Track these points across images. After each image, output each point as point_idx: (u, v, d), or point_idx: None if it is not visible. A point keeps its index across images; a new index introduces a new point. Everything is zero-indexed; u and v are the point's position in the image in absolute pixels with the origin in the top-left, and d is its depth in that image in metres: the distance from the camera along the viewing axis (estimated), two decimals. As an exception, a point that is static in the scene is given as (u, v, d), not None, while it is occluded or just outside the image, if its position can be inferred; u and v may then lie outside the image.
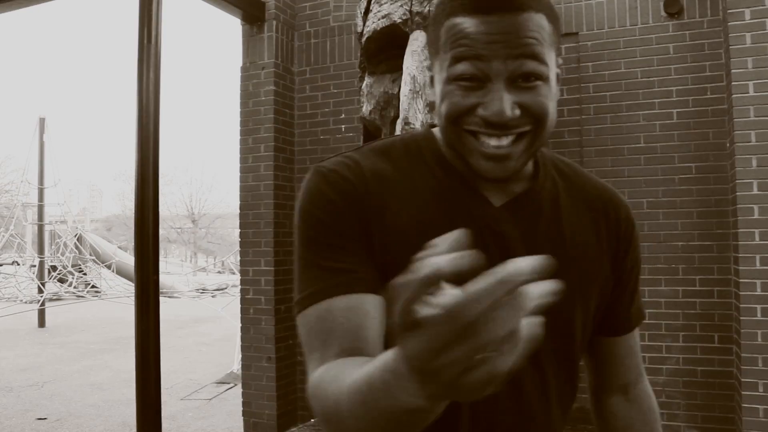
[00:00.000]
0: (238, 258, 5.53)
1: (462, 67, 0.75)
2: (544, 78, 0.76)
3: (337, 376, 0.68)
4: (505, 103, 0.74)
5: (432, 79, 0.83)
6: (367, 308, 0.76)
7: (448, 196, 0.83)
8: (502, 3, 0.74)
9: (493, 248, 0.80)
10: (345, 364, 0.70)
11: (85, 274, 17.32)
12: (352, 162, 0.83)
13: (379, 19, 3.04)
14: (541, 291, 0.44)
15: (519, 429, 0.83)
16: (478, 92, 0.75)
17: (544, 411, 0.85)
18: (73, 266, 16.49)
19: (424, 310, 0.44)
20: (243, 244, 4.70)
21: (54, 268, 16.03)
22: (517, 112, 0.75)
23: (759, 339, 3.30)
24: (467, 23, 0.75)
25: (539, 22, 0.75)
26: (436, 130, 0.87)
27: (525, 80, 0.75)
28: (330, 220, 0.79)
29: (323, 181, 0.81)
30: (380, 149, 0.86)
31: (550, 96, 0.78)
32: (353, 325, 0.75)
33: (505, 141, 0.76)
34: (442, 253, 0.47)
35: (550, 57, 0.77)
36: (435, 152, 0.86)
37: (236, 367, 6.83)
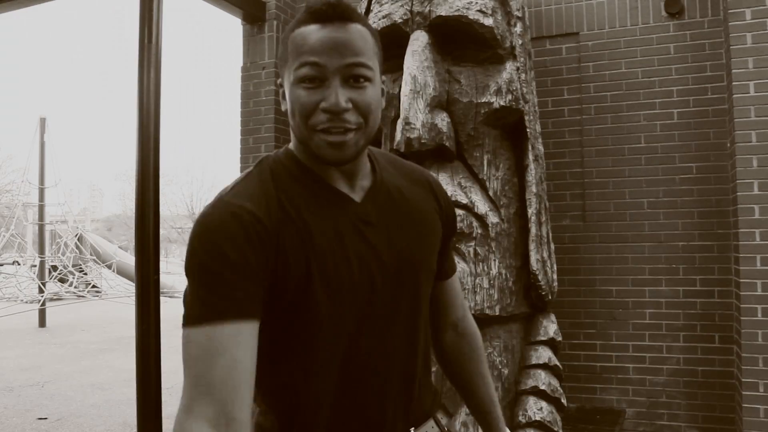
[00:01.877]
0: (239, 258, 5.51)
1: (305, 70, 0.96)
2: (369, 79, 0.98)
3: None
4: (340, 96, 0.95)
5: (283, 93, 1.03)
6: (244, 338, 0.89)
7: (324, 202, 1.02)
8: (336, 14, 0.96)
9: (366, 234, 1.02)
10: None
11: (85, 273, 17.33)
12: (246, 196, 0.98)
13: (379, 20, 3.04)
14: None
15: (392, 393, 1.05)
16: (319, 91, 0.96)
17: (425, 352, 1.11)
18: (73, 266, 16.49)
19: None
20: (243, 244, 4.69)
21: (54, 267, 16.03)
22: (349, 105, 0.96)
23: (759, 339, 3.30)
24: (308, 31, 0.97)
25: (364, 33, 0.99)
26: (292, 146, 1.08)
27: (355, 81, 0.97)
28: (229, 254, 0.93)
29: (228, 219, 0.95)
30: (260, 176, 1.03)
31: (375, 97, 1.00)
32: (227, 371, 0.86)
33: (341, 137, 0.97)
34: None
35: (375, 64, 1.00)
36: (300, 166, 1.05)
37: (237, 367, 6.81)
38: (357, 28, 0.98)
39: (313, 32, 0.96)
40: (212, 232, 0.93)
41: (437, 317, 1.24)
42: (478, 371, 1.26)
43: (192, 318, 0.89)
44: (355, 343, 1.01)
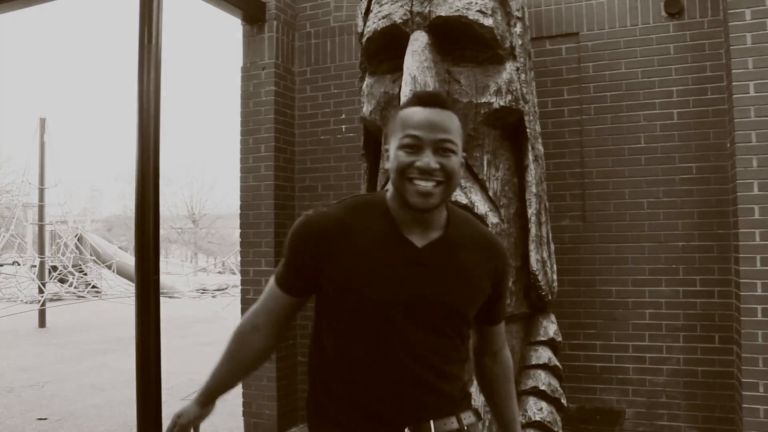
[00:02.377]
0: (239, 258, 5.52)
1: (407, 140, 1.34)
2: (454, 152, 1.36)
3: (236, 340, 1.51)
4: (431, 160, 1.33)
5: (387, 156, 1.41)
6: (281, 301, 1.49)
7: (387, 239, 1.39)
8: (435, 102, 1.37)
9: (417, 275, 1.37)
10: (243, 340, 1.50)
11: (85, 274, 17.33)
12: (327, 214, 1.42)
13: (379, 20, 3.03)
14: None
15: (420, 389, 1.37)
16: (415, 155, 1.33)
17: (439, 368, 1.39)
18: (73, 266, 16.50)
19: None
20: (243, 244, 4.70)
21: (54, 268, 16.04)
22: (437, 166, 1.33)
23: (759, 339, 3.30)
24: (413, 112, 1.36)
25: (453, 117, 1.37)
26: (388, 194, 1.44)
27: (443, 151, 1.34)
28: (296, 248, 1.43)
29: (304, 223, 1.43)
30: (351, 205, 1.44)
31: (457, 164, 1.37)
32: (270, 308, 1.50)
33: (430, 184, 1.32)
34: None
35: (459, 141, 1.37)
36: (383, 208, 1.42)
37: (237, 367, 6.80)
38: (449, 113, 1.37)
39: (417, 113, 1.35)
40: (294, 230, 1.43)
41: (482, 347, 1.62)
42: (506, 390, 1.64)
43: (276, 276, 1.48)
44: (375, 345, 1.36)
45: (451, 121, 1.36)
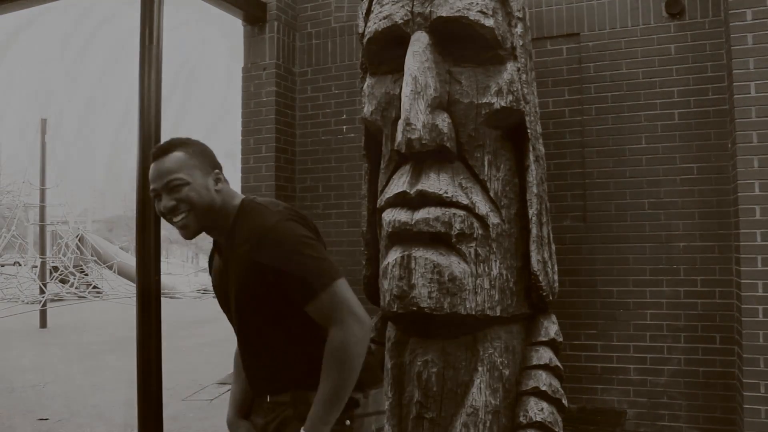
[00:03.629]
0: (240, 259, 5.50)
1: (151, 194, 1.62)
2: (185, 184, 1.55)
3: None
4: (166, 202, 1.59)
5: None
6: None
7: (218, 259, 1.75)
8: (158, 153, 1.60)
9: (222, 280, 1.68)
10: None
11: (86, 274, 17.33)
12: None
13: (380, 20, 3.03)
14: None
15: (256, 369, 1.68)
16: (159, 203, 1.60)
17: (264, 360, 1.65)
18: (74, 267, 16.50)
19: None
20: (244, 244, 4.69)
21: (55, 268, 16.03)
22: (171, 204, 1.57)
23: (761, 340, 3.30)
24: (150, 168, 1.64)
25: (176, 156, 1.59)
26: None
27: (173, 189, 1.55)
28: None
29: None
30: None
31: (194, 190, 1.55)
32: None
33: (179, 220, 1.57)
34: None
35: (189, 171, 1.58)
36: None
37: (237, 367, 6.81)
38: (170, 156, 1.57)
39: (150, 169, 1.58)
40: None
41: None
42: (323, 367, 1.52)
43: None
44: (236, 336, 1.72)
45: (173, 161, 1.53)
